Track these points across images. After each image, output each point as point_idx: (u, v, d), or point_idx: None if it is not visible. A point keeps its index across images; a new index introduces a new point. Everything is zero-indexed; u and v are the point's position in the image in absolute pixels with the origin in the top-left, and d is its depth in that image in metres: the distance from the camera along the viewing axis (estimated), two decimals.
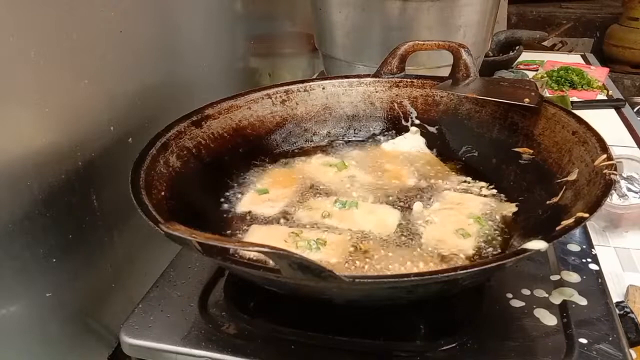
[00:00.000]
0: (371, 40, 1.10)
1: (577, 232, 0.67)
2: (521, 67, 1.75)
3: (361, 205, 0.66)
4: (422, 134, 0.81)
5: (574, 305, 0.56)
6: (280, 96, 0.80)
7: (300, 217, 0.65)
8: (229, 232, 0.63)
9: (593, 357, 0.49)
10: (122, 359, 0.58)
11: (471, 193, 0.69)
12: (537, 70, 1.72)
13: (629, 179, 0.96)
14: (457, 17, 1.06)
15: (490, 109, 0.75)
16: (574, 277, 0.60)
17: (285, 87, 0.81)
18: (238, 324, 0.55)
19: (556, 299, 0.56)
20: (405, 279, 0.43)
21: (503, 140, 0.73)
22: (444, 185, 0.71)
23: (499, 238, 0.60)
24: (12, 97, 0.52)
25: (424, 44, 0.81)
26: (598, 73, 1.69)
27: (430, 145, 0.80)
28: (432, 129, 0.81)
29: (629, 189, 0.95)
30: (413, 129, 0.82)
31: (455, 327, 0.54)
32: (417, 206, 0.66)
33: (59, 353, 0.63)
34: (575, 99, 1.48)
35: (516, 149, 0.70)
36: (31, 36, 0.54)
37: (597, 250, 0.65)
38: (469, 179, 0.72)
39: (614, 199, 0.93)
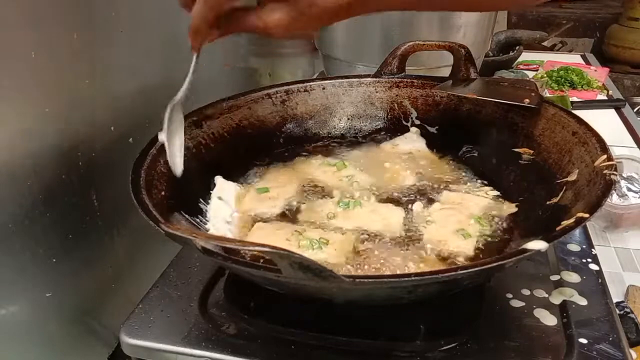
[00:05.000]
0: (371, 40, 1.10)
1: (577, 232, 0.67)
2: (521, 67, 1.75)
3: (365, 205, 0.66)
4: (422, 134, 0.81)
5: (574, 305, 0.56)
6: (280, 96, 0.80)
7: (300, 216, 0.65)
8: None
9: (593, 357, 0.49)
10: (122, 359, 0.58)
11: (471, 193, 0.69)
12: (537, 70, 1.72)
13: (629, 179, 0.96)
14: (457, 17, 1.06)
15: (490, 109, 0.75)
16: (574, 277, 0.60)
17: (285, 87, 0.81)
18: (238, 324, 0.55)
19: (556, 299, 0.56)
20: (406, 279, 0.43)
21: (503, 141, 0.72)
22: (444, 186, 0.71)
23: (500, 238, 0.60)
24: (12, 97, 0.52)
25: (424, 44, 0.81)
26: (598, 73, 1.69)
27: (430, 145, 0.80)
28: (432, 129, 0.81)
29: (629, 189, 0.95)
30: (413, 129, 0.82)
31: (455, 327, 0.54)
32: (417, 206, 0.66)
33: (59, 353, 0.63)
34: (575, 99, 1.48)
35: (516, 149, 0.70)
36: (31, 36, 0.54)
37: (597, 250, 0.65)
38: (469, 179, 0.72)
39: (614, 199, 0.93)
